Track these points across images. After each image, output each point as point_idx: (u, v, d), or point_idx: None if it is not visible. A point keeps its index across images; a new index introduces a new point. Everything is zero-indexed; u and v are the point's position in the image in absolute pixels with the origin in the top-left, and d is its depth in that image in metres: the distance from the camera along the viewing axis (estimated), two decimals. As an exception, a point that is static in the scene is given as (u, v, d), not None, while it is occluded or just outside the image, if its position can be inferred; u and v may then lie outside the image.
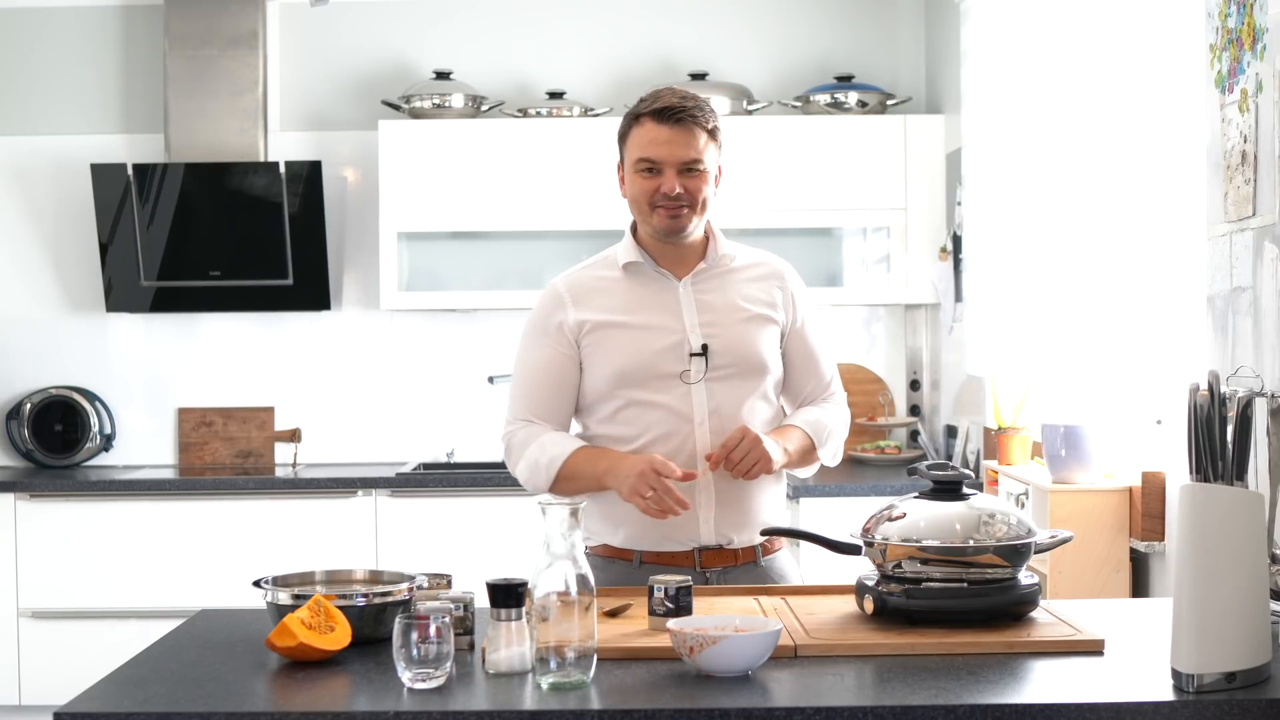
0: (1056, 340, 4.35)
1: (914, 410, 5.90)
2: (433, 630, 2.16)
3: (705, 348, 2.86)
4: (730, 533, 2.89)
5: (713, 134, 2.87)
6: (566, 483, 2.86)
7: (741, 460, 2.77)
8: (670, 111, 2.83)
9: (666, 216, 2.85)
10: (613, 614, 2.58)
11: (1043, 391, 4.47)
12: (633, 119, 2.88)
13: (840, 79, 5.70)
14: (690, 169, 2.84)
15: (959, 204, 5.30)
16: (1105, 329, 4.02)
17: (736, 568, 2.89)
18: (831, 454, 3.01)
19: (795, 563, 3.05)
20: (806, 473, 3.04)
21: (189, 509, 5.38)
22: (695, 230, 2.89)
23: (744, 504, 2.89)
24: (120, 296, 5.73)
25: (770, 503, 2.94)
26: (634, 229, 2.95)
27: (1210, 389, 2.21)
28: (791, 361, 2.98)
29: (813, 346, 2.99)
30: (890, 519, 2.53)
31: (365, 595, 2.43)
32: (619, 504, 2.87)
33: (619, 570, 2.86)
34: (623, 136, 2.91)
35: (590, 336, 2.89)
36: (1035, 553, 2.53)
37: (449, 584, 2.56)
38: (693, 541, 2.88)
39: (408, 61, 5.91)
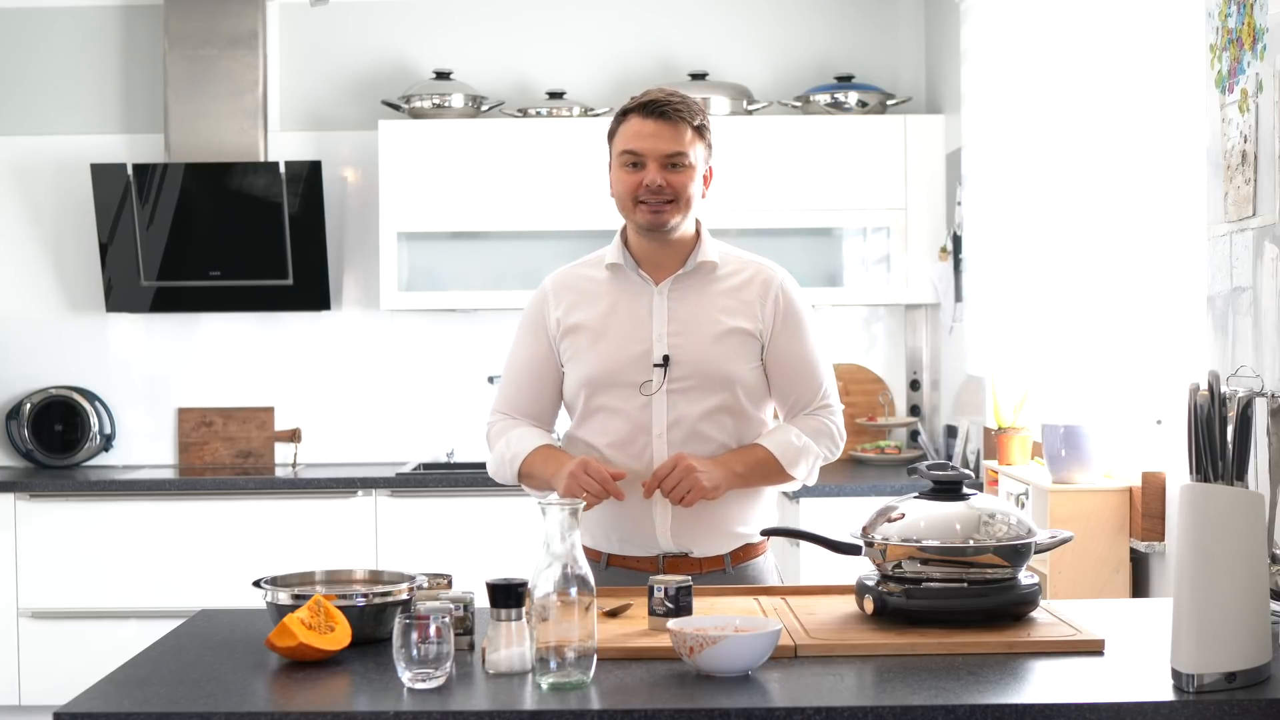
0: (1056, 340, 4.35)
1: (914, 410, 5.90)
2: (433, 630, 2.16)
3: (666, 359, 2.86)
4: (689, 544, 2.89)
5: (700, 132, 2.87)
6: (527, 480, 2.94)
7: (675, 488, 2.77)
8: (655, 105, 2.84)
9: (649, 211, 2.85)
10: (613, 614, 2.58)
11: (1043, 391, 4.46)
12: (620, 116, 2.90)
13: (840, 79, 5.70)
14: (674, 163, 2.83)
15: (959, 204, 5.30)
16: (1105, 329, 4.02)
17: (701, 575, 2.86)
18: (806, 472, 2.94)
19: (775, 571, 3.03)
20: (789, 488, 3.00)
21: (189, 509, 5.38)
22: (679, 227, 2.88)
23: (703, 516, 2.87)
24: (120, 296, 5.73)
25: (740, 512, 2.92)
26: (624, 230, 2.96)
27: (1210, 389, 2.21)
28: (775, 369, 2.93)
29: (799, 355, 2.93)
30: (890, 519, 2.53)
31: (365, 595, 2.43)
32: (589, 510, 2.88)
33: None
34: (611, 134, 2.92)
35: (566, 339, 2.93)
36: (1035, 553, 2.53)
37: (449, 584, 2.56)
38: (654, 548, 2.89)
39: (408, 61, 5.91)
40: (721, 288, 2.92)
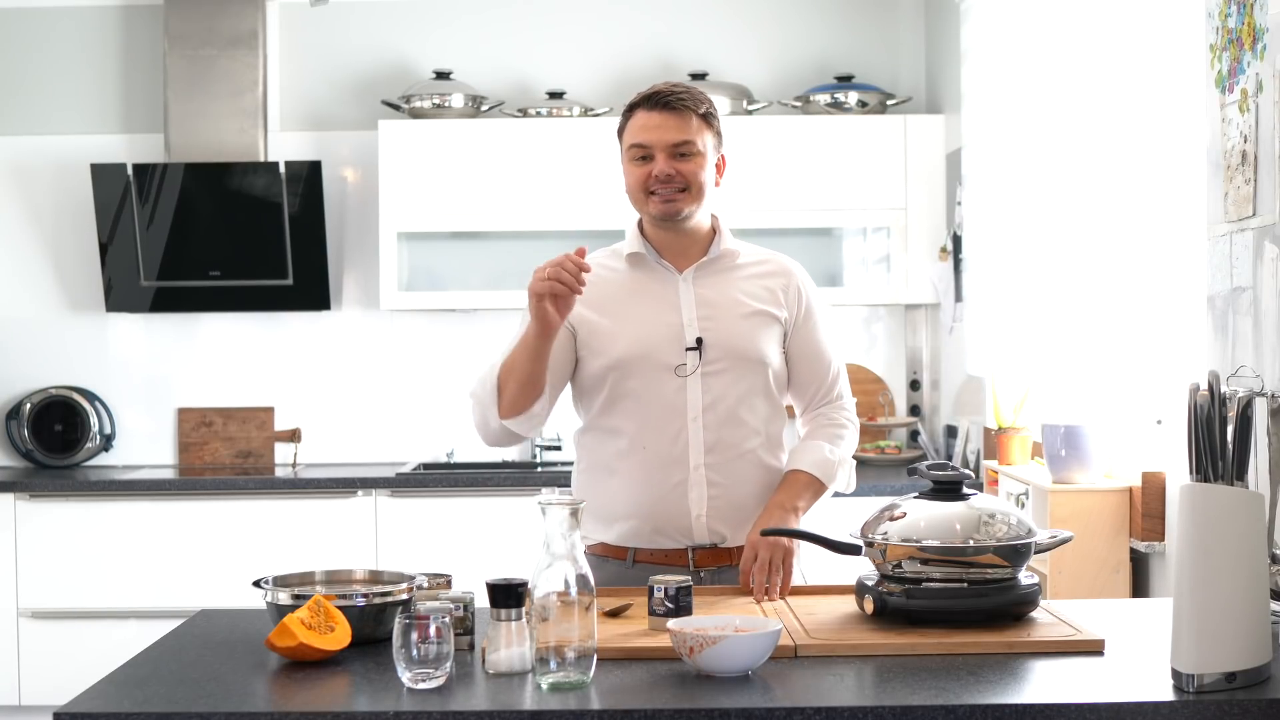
0: (1056, 340, 4.35)
1: (914, 410, 5.90)
2: (433, 630, 2.16)
3: (700, 341, 2.87)
4: (723, 530, 2.89)
5: (706, 120, 2.88)
6: (508, 378, 2.80)
7: (770, 565, 2.74)
8: (660, 97, 2.86)
9: (661, 202, 2.86)
10: (613, 614, 2.58)
11: (1043, 391, 4.47)
12: (628, 111, 2.92)
13: (840, 79, 5.70)
14: (682, 152, 2.85)
15: (959, 204, 5.30)
16: (1105, 329, 4.02)
17: (731, 567, 2.89)
18: (845, 483, 2.98)
19: (797, 563, 3.04)
20: (826, 497, 3.01)
21: (189, 509, 5.38)
22: (693, 216, 2.89)
23: (737, 503, 2.89)
24: (120, 296, 5.73)
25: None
26: (640, 223, 2.97)
27: (1210, 389, 2.21)
28: (795, 360, 2.97)
29: (817, 347, 2.98)
30: (890, 519, 2.54)
31: (365, 595, 2.43)
32: (613, 501, 2.88)
33: (613, 569, 2.87)
34: (620, 131, 2.94)
35: (588, 326, 2.90)
36: (1035, 553, 2.53)
37: (449, 584, 2.56)
38: (685, 539, 2.88)
39: (408, 61, 5.91)
40: (745, 274, 2.95)
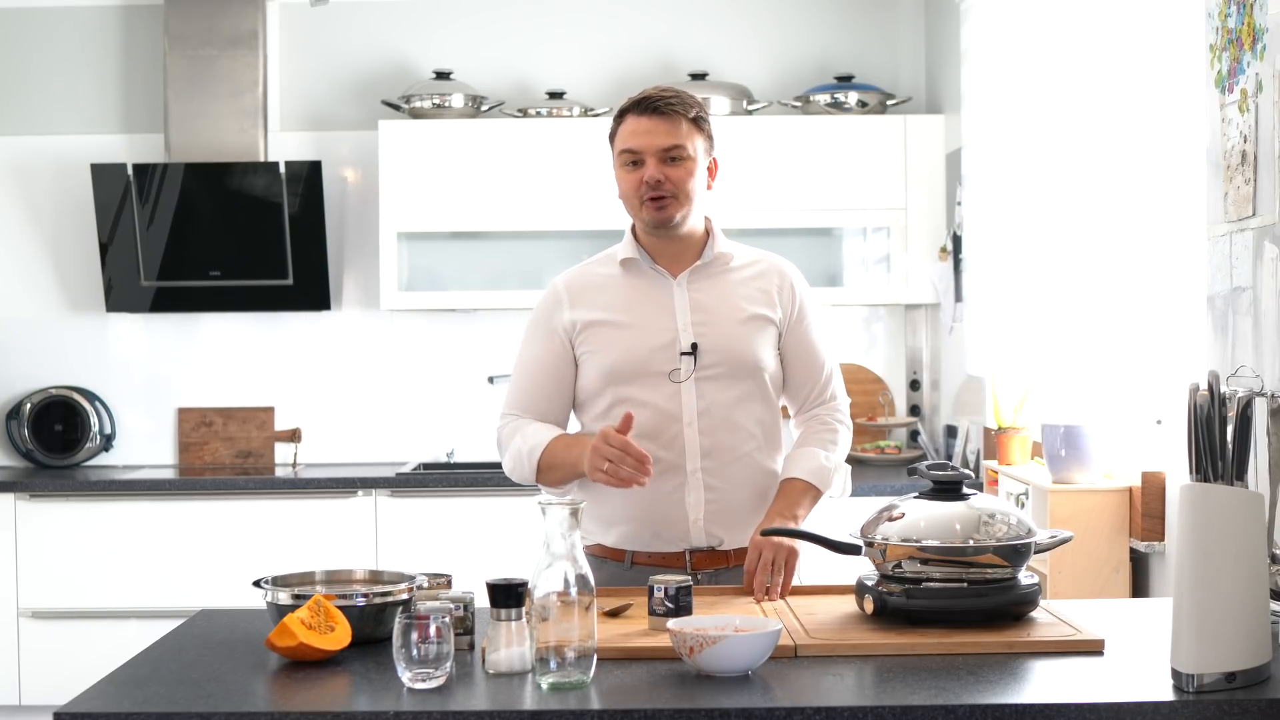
0: (1056, 340, 4.35)
1: (914, 410, 5.90)
2: (433, 630, 2.16)
3: (695, 346, 2.87)
4: (720, 533, 2.89)
5: (696, 124, 2.88)
6: (548, 473, 2.88)
7: (774, 566, 2.75)
8: (649, 102, 2.86)
9: (653, 208, 2.85)
10: (613, 614, 2.58)
11: (1043, 391, 4.47)
12: (618, 117, 2.92)
13: (840, 79, 5.70)
14: (673, 157, 2.85)
15: (959, 204, 5.30)
16: (1105, 329, 4.02)
17: (729, 569, 2.89)
18: (840, 488, 2.98)
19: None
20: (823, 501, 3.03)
21: (189, 509, 5.38)
22: (685, 222, 2.89)
23: (734, 506, 2.89)
24: (120, 296, 5.73)
25: (768, 502, 2.93)
26: (634, 227, 2.96)
27: (1210, 389, 2.21)
28: (789, 361, 2.97)
29: (811, 347, 2.98)
30: (890, 519, 2.54)
31: (365, 595, 2.43)
32: (611, 504, 2.88)
33: (611, 570, 2.87)
34: (611, 136, 2.93)
35: (584, 334, 2.92)
36: (1035, 553, 2.53)
37: (449, 584, 2.56)
38: (683, 542, 2.89)
39: (408, 61, 5.91)
40: (739, 277, 2.95)
